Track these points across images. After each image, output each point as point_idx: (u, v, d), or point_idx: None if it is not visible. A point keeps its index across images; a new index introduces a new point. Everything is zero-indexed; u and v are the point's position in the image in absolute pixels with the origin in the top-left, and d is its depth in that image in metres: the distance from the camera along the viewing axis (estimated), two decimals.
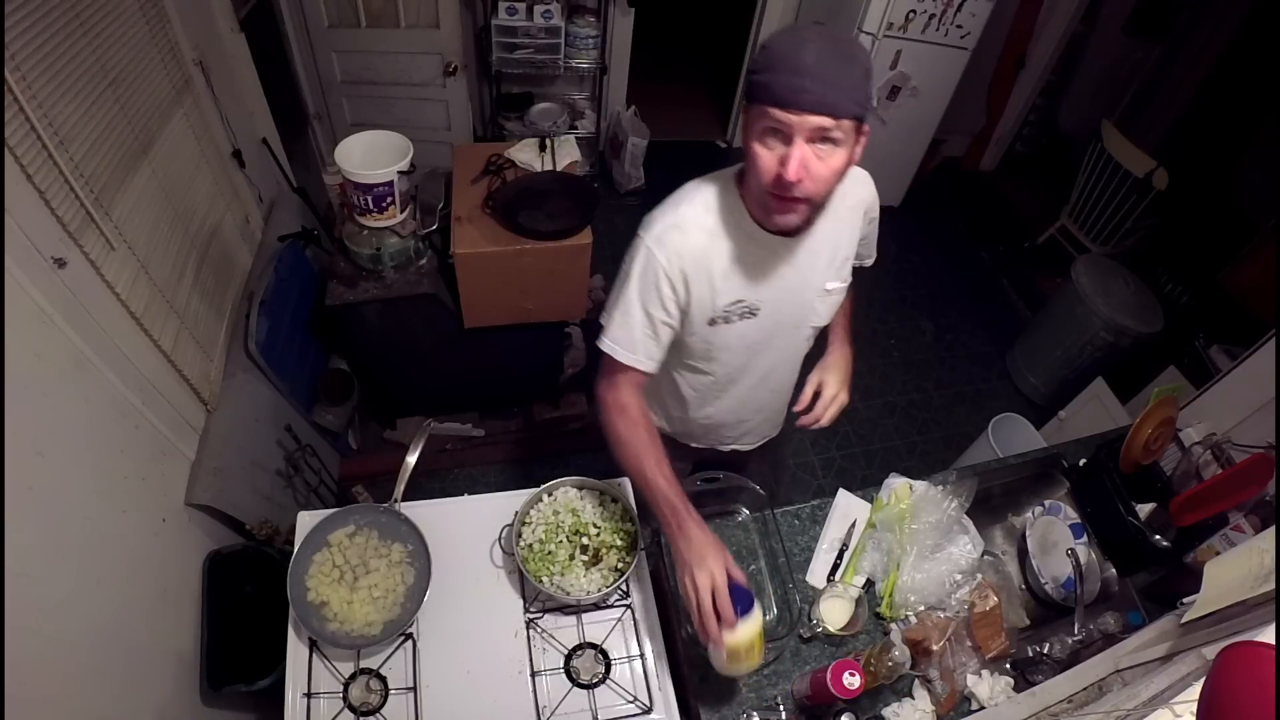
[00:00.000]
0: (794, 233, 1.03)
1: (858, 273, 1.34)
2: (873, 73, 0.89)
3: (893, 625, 1.28)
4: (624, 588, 1.27)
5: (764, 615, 1.01)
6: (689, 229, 1.03)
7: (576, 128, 3.41)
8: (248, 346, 1.79)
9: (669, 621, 1.25)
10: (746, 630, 0.97)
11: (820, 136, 0.87)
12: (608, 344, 1.10)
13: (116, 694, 1.22)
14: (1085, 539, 1.46)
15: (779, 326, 1.16)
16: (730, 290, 1.08)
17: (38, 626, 1.05)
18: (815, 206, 0.97)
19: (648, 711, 1.15)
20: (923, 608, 1.30)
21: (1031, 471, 1.65)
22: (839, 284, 1.16)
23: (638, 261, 1.05)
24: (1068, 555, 1.40)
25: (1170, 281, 3.13)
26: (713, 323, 1.11)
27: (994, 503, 1.60)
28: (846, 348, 1.33)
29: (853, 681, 1.06)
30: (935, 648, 1.21)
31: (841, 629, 1.24)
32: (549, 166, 2.14)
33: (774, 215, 0.97)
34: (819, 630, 1.25)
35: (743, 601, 0.97)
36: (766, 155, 0.90)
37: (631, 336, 1.08)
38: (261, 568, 1.57)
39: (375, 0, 2.66)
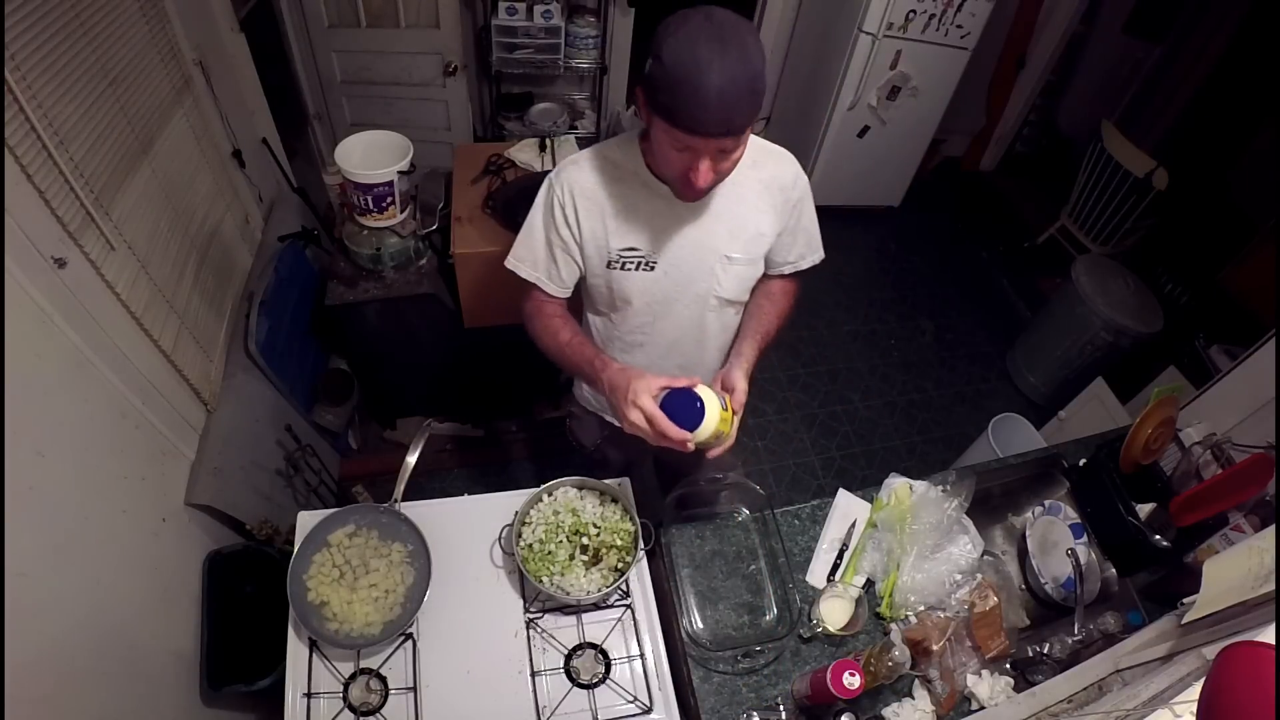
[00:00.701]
0: None
1: (821, 272, 1.31)
2: (764, 67, 0.90)
3: (893, 625, 1.28)
4: (624, 588, 1.27)
5: (721, 403, 1.00)
6: (583, 165, 1.12)
7: (576, 128, 3.40)
8: (248, 346, 1.79)
9: (669, 621, 1.25)
10: (705, 427, 0.98)
11: (723, 147, 0.94)
12: (512, 261, 1.20)
13: (116, 694, 1.22)
14: (1085, 539, 1.46)
15: (679, 288, 1.16)
16: (624, 234, 1.11)
17: (38, 626, 1.05)
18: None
19: (648, 711, 1.15)
20: (923, 608, 1.30)
21: (1031, 471, 1.65)
22: (743, 256, 1.15)
23: (541, 192, 1.16)
24: (1068, 555, 1.40)
25: (1170, 281, 3.13)
26: (610, 265, 1.14)
27: (994, 503, 1.60)
28: (754, 351, 1.20)
29: (853, 681, 1.06)
30: (935, 648, 1.21)
31: (841, 629, 1.24)
32: (549, 166, 2.14)
33: (683, 197, 1.06)
34: (819, 630, 1.25)
35: (687, 405, 0.98)
36: (675, 157, 0.97)
37: (534, 256, 1.17)
38: (261, 568, 1.57)
39: (375, 0, 2.66)
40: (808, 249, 1.26)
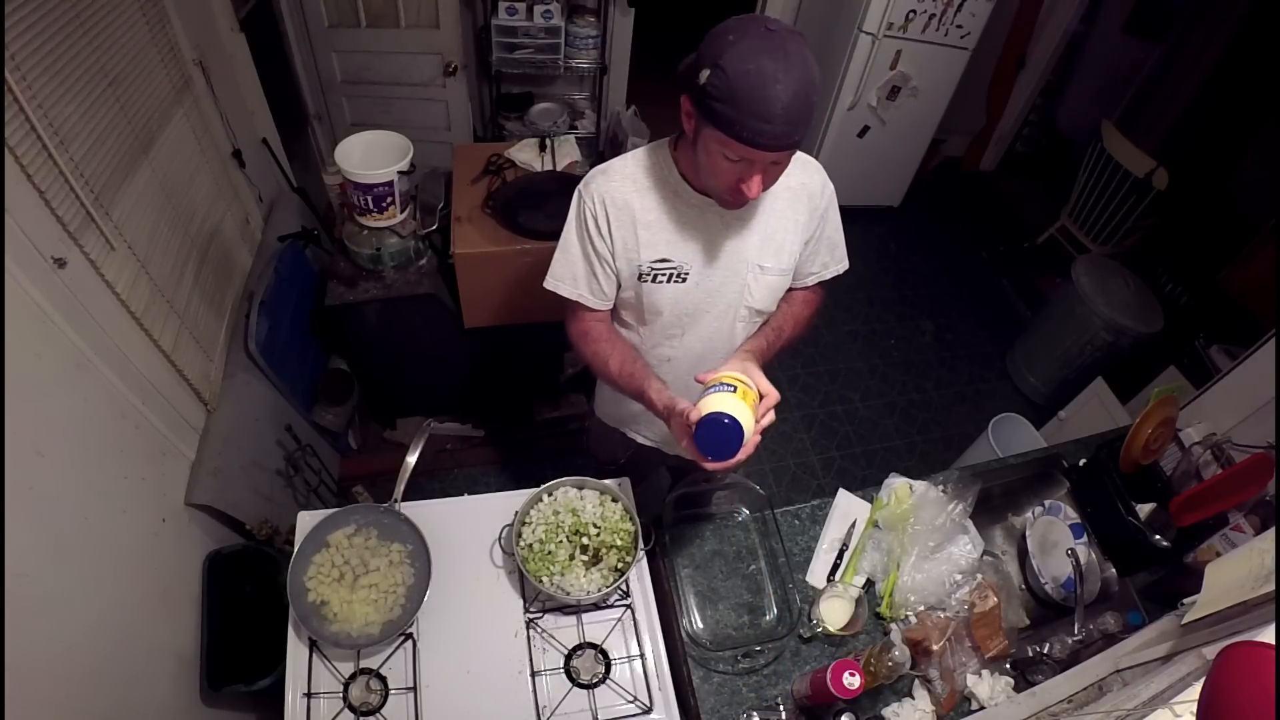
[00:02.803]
0: None
1: (839, 280, 1.28)
2: (820, 81, 0.90)
3: (893, 625, 1.28)
4: (624, 588, 1.27)
5: (752, 408, 0.94)
6: (613, 174, 1.10)
7: (576, 128, 3.40)
8: (248, 346, 1.79)
9: (669, 621, 1.25)
10: (749, 443, 0.93)
11: (779, 160, 0.94)
12: (551, 281, 1.18)
13: (116, 694, 1.22)
14: (1085, 539, 1.46)
15: (710, 298, 1.15)
16: (655, 244, 1.09)
17: (38, 626, 1.05)
18: None
19: (648, 711, 1.16)
20: (923, 608, 1.30)
21: (1031, 471, 1.65)
22: (774, 265, 1.14)
23: (572, 206, 1.14)
24: (1068, 555, 1.40)
25: (1170, 281, 3.13)
26: (640, 278, 1.12)
27: (994, 503, 1.60)
28: (764, 343, 1.18)
29: (853, 681, 1.06)
30: (935, 648, 1.21)
31: (841, 629, 1.24)
32: (549, 166, 2.14)
33: (727, 205, 1.04)
34: (819, 630, 1.25)
35: (716, 432, 0.91)
36: (727, 168, 0.95)
37: (573, 272, 1.15)
38: (261, 568, 1.57)
39: (375, 0, 2.66)
40: (831, 258, 1.24)
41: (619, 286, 1.17)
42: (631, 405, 1.38)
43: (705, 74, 0.87)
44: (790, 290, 1.25)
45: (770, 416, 0.98)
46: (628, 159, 1.12)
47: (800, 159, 1.14)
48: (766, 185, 0.98)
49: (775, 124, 0.85)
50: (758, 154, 0.89)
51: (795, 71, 0.84)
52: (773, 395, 0.98)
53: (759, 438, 0.96)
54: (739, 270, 1.13)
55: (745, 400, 0.94)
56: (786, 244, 1.14)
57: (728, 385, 0.95)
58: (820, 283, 1.27)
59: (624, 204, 1.08)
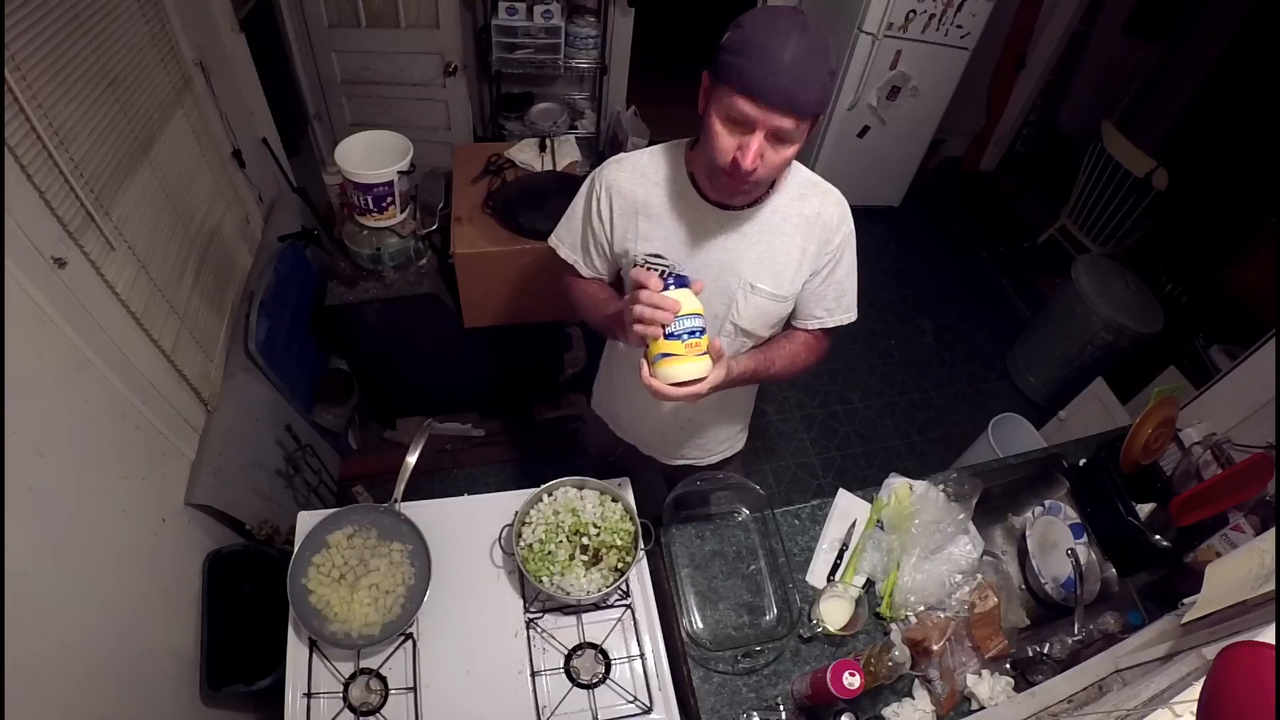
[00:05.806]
0: (731, 205, 1.07)
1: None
2: (838, 71, 0.91)
3: (893, 625, 1.28)
4: (624, 588, 1.28)
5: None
6: (625, 165, 1.12)
7: (576, 128, 3.40)
8: (248, 346, 1.79)
9: (669, 621, 1.25)
10: (684, 297, 0.95)
11: (780, 131, 0.90)
12: (553, 240, 1.24)
13: (116, 694, 1.22)
14: (1085, 539, 1.46)
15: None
16: (652, 239, 1.11)
17: (38, 626, 1.05)
18: (762, 186, 1.03)
19: (648, 711, 1.16)
20: (923, 608, 1.30)
21: (1031, 471, 1.65)
22: (768, 289, 1.10)
23: (584, 184, 1.18)
24: (1068, 555, 1.40)
25: (1170, 281, 3.13)
26: (635, 268, 1.13)
27: (994, 503, 1.60)
28: (750, 361, 1.13)
29: (853, 681, 1.06)
30: (935, 648, 1.21)
31: (841, 629, 1.24)
32: (549, 166, 2.14)
33: (722, 192, 1.03)
34: (819, 630, 1.25)
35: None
36: (726, 138, 0.93)
37: (573, 239, 1.21)
38: (261, 568, 1.57)
39: (375, 0, 2.66)
40: (838, 305, 1.19)
41: (618, 268, 1.20)
42: (616, 401, 1.40)
43: (725, 36, 0.90)
44: (792, 328, 1.23)
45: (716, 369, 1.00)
46: (644, 153, 1.13)
47: (824, 188, 1.12)
48: (766, 169, 0.93)
49: (780, 76, 0.84)
50: (759, 111, 0.87)
51: (810, 38, 0.85)
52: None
53: (702, 385, 0.98)
54: (730, 284, 1.11)
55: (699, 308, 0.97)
56: (788, 270, 1.10)
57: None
58: (825, 330, 1.22)
59: (630, 194, 1.10)
